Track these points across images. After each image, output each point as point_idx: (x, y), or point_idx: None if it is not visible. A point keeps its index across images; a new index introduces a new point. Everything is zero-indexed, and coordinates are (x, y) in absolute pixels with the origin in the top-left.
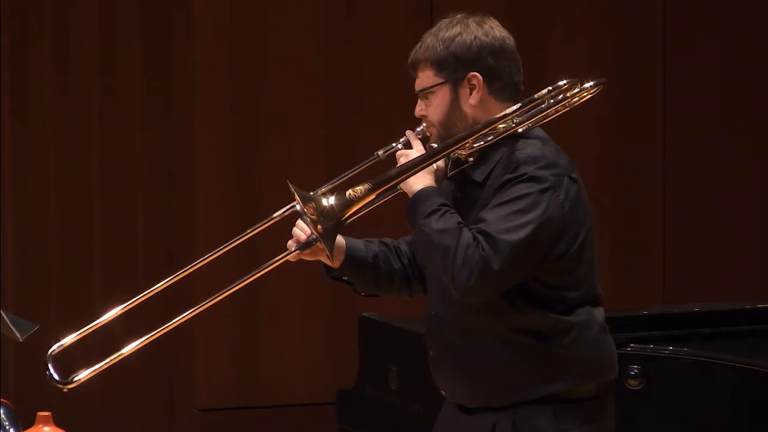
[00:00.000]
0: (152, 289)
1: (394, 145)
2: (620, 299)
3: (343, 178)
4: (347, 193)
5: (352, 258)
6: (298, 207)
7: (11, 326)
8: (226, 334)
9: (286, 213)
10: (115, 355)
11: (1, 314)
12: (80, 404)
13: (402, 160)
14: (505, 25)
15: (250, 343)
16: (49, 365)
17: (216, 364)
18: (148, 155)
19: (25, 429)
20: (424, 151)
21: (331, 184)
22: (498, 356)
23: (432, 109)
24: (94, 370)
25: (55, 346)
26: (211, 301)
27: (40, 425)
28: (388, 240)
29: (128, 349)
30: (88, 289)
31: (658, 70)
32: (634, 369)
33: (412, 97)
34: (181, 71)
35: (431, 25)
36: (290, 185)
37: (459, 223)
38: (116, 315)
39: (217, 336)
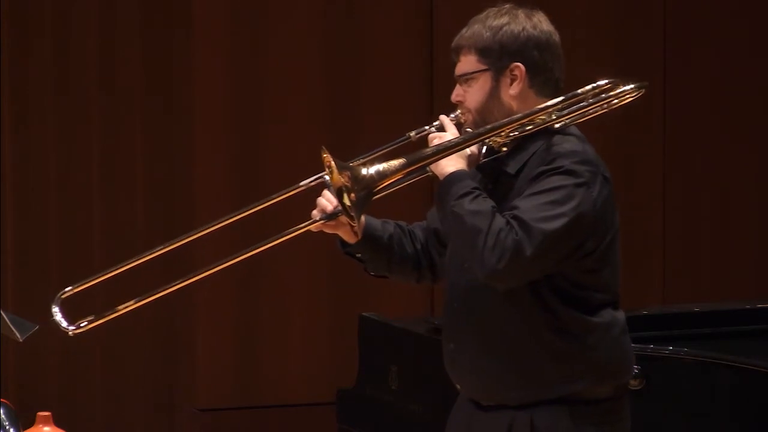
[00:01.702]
0: (168, 245)
1: (426, 128)
2: (620, 299)
3: (373, 155)
4: (382, 165)
5: (369, 236)
6: (327, 177)
7: (11, 326)
8: (226, 334)
9: (313, 183)
10: (125, 305)
11: (1, 314)
12: (80, 404)
13: (436, 142)
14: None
15: (250, 343)
16: (57, 309)
17: (216, 364)
18: (148, 155)
19: (25, 429)
20: (457, 133)
21: (363, 158)
22: (520, 353)
23: (470, 95)
24: (101, 319)
25: (66, 290)
26: (222, 264)
27: (40, 425)
28: (403, 223)
29: (136, 301)
30: (87, 289)
31: (658, 70)
32: (634, 369)
33: (412, 98)
34: (181, 71)
35: (431, 25)
36: (325, 151)
37: (492, 206)
38: (128, 267)
39: (217, 336)
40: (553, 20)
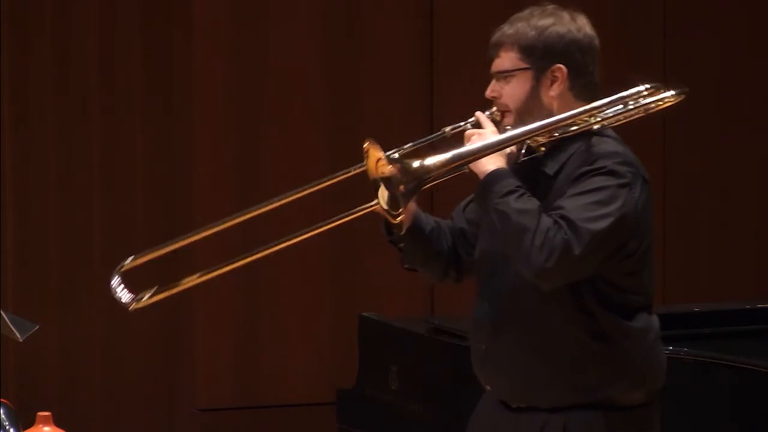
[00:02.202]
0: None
1: (462, 124)
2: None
3: (406, 150)
4: (430, 160)
5: (415, 226)
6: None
7: (11, 326)
8: (226, 334)
9: (362, 169)
10: (188, 279)
11: (1, 314)
12: (80, 404)
13: (475, 139)
14: (505, 22)
15: (250, 343)
16: (117, 281)
17: (216, 364)
18: (148, 155)
19: (25, 429)
20: (497, 133)
21: (400, 149)
22: (557, 356)
23: (508, 92)
24: (163, 293)
25: (126, 261)
26: (282, 243)
27: (40, 425)
28: (440, 219)
29: (200, 275)
30: (88, 289)
31: (658, 70)
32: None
33: (412, 98)
34: (181, 71)
35: (431, 25)
36: (371, 143)
37: (539, 205)
38: (188, 242)
39: (217, 336)
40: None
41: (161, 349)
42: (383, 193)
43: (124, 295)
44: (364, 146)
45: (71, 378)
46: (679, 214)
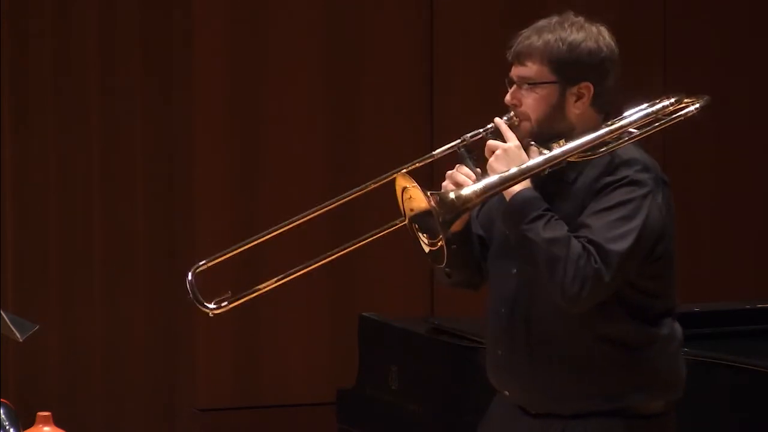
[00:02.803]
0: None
1: (481, 131)
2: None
3: (426, 160)
4: (464, 190)
5: (466, 230)
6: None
7: (11, 326)
8: (226, 334)
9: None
10: (265, 284)
11: (1, 314)
12: (80, 404)
13: (500, 154)
14: (504, 23)
15: (250, 343)
16: (193, 286)
17: (216, 364)
18: (148, 154)
19: (25, 429)
20: (519, 145)
21: (420, 161)
22: (579, 363)
23: (531, 103)
24: (243, 298)
25: (200, 263)
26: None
27: (40, 425)
28: None
29: (277, 279)
30: (88, 289)
31: (658, 71)
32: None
33: (412, 98)
34: (181, 71)
35: (431, 25)
36: (409, 179)
37: (567, 231)
38: (262, 239)
39: (217, 336)
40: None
41: (161, 350)
42: (420, 227)
43: (202, 301)
44: (402, 183)
45: (71, 378)
46: (679, 213)
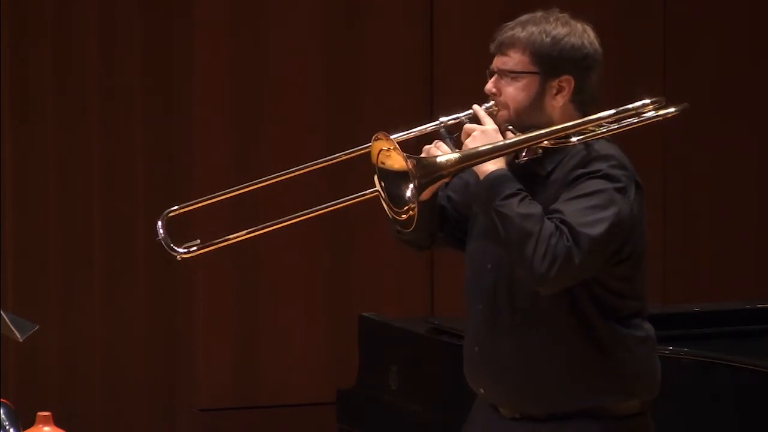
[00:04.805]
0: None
1: (461, 116)
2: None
3: (399, 138)
4: (441, 158)
5: (431, 200)
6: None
7: (11, 326)
8: (226, 334)
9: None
10: (235, 234)
11: (1, 314)
12: (80, 404)
13: (478, 136)
14: (504, 23)
15: (250, 343)
16: (162, 229)
17: (216, 364)
18: (148, 155)
19: (25, 429)
20: (498, 130)
21: (396, 137)
22: (553, 362)
23: (511, 92)
24: (211, 246)
25: (172, 208)
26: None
27: (40, 425)
28: None
29: (248, 232)
30: (88, 289)
31: (658, 70)
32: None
33: (412, 97)
34: (181, 71)
35: (431, 26)
36: (386, 136)
37: (541, 210)
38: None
39: (217, 336)
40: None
41: (161, 349)
42: (390, 188)
43: (170, 244)
44: (378, 138)
45: (71, 378)
46: (679, 214)
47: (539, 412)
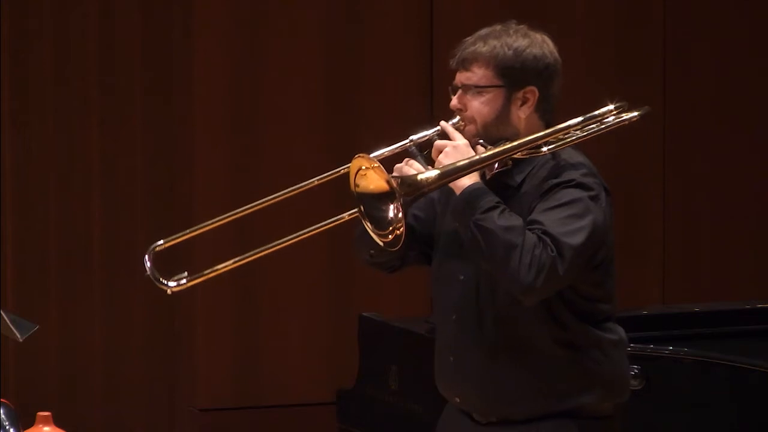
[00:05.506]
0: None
1: (428, 133)
2: (620, 299)
3: (374, 155)
4: (421, 176)
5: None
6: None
7: (11, 326)
8: (226, 334)
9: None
10: (224, 264)
11: (1, 314)
12: (80, 404)
13: (450, 152)
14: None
15: (250, 343)
16: (149, 263)
17: (216, 364)
18: (148, 155)
19: (25, 429)
20: (467, 143)
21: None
22: (532, 364)
23: (476, 107)
24: (200, 278)
25: (158, 243)
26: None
27: (40, 425)
28: None
29: (235, 261)
30: (87, 289)
31: (658, 71)
32: (634, 369)
33: (412, 98)
34: (181, 71)
35: (431, 26)
36: (366, 156)
37: (522, 222)
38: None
39: (217, 336)
40: (552, 22)
41: (161, 349)
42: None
43: (159, 278)
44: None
45: (71, 378)
46: (679, 213)
47: (518, 416)
